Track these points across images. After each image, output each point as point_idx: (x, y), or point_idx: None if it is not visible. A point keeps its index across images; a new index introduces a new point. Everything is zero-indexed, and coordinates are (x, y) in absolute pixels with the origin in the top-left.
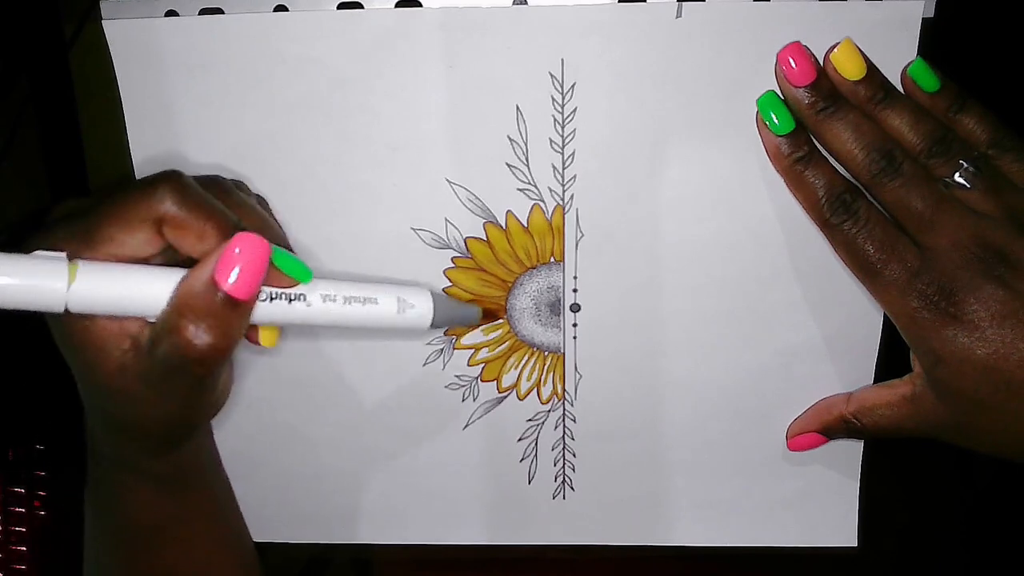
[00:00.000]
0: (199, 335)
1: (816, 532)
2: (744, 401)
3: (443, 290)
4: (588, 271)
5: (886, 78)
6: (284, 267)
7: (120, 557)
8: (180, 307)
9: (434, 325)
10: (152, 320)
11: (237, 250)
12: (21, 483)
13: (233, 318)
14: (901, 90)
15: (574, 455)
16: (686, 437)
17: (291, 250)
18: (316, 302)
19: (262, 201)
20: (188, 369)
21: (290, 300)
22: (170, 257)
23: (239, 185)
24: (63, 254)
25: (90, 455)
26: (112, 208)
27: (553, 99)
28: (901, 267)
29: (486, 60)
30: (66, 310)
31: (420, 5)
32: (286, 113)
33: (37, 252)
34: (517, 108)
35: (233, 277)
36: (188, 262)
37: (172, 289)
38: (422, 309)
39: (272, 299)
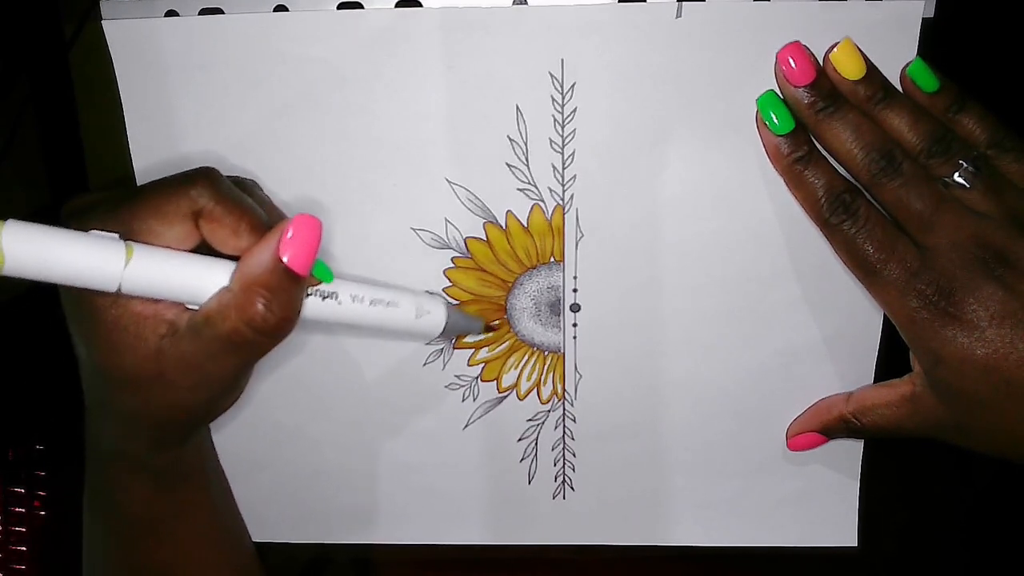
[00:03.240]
0: (269, 308)
1: (816, 532)
2: (744, 401)
3: (443, 290)
4: (588, 271)
5: (886, 78)
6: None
7: (116, 553)
8: (247, 283)
9: (444, 332)
10: (193, 307)
11: (293, 229)
12: (21, 483)
13: (295, 292)
14: (901, 90)
15: (574, 455)
16: (686, 437)
17: None
18: (346, 301)
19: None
20: (254, 343)
21: (324, 297)
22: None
23: (256, 185)
24: (116, 235)
25: (88, 449)
26: (151, 201)
27: (553, 99)
28: (900, 267)
29: (486, 60)
30: (118, 290)
31: (420, 5)
32: (286, 113)
33: (93, 231)
34: (517, 108)
35: (293, 252)
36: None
37: (222, 276)
38: (437, 317)
39: (308, 295)
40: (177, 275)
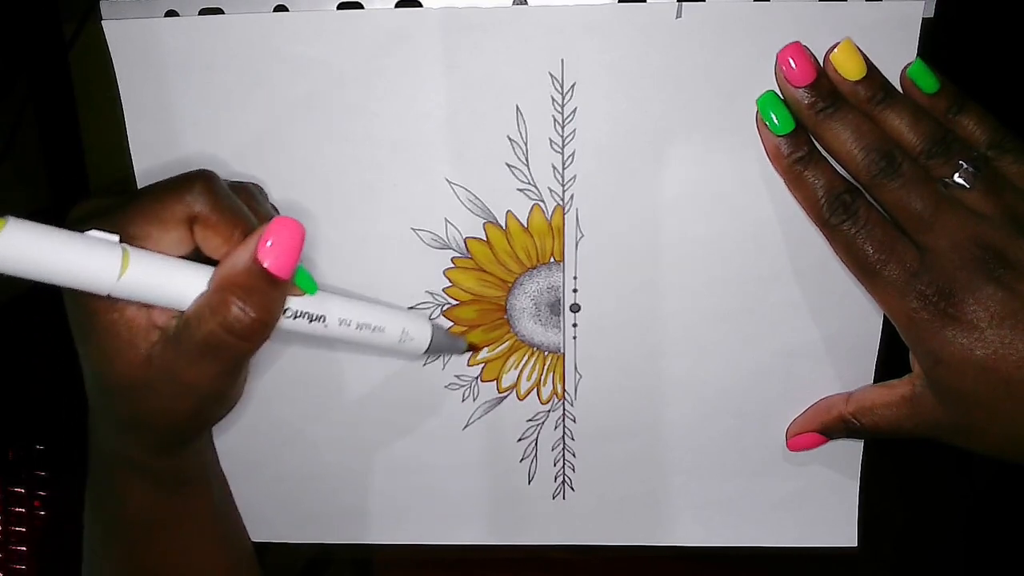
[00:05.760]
0: (244, 311)
1: (816, 532)
2: (744, 401)
3: (443, 290)
4: (588, 271)
5: (886, 78)
6: (294, 278)
7: (116, 554)
8: (224, 285)
9: (428, 352)
10: (183, 312)
11: (273, 231)
12: (21, 483)
13: (273, 295)
14: (901, 91)
15: (574, 455)
16: (686, 437)
17: None
18: (333, 325)
19: (274, 208)
20: (231, 347)
21: (310, 320)
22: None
23: (260, 191)
24: (116, 237)
25: (91, 450)
26: (147, 206)
27: (553, 99)
28: (900, 268)
29: (486, 60)
30: (110, 294)
31: (420, 5)
32: (286, 113)
33: (92, 232)
34: (517, 108)
35: (273, 256)
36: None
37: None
38: (421, 341)
39: (296, 317)
40: (169, 280)
